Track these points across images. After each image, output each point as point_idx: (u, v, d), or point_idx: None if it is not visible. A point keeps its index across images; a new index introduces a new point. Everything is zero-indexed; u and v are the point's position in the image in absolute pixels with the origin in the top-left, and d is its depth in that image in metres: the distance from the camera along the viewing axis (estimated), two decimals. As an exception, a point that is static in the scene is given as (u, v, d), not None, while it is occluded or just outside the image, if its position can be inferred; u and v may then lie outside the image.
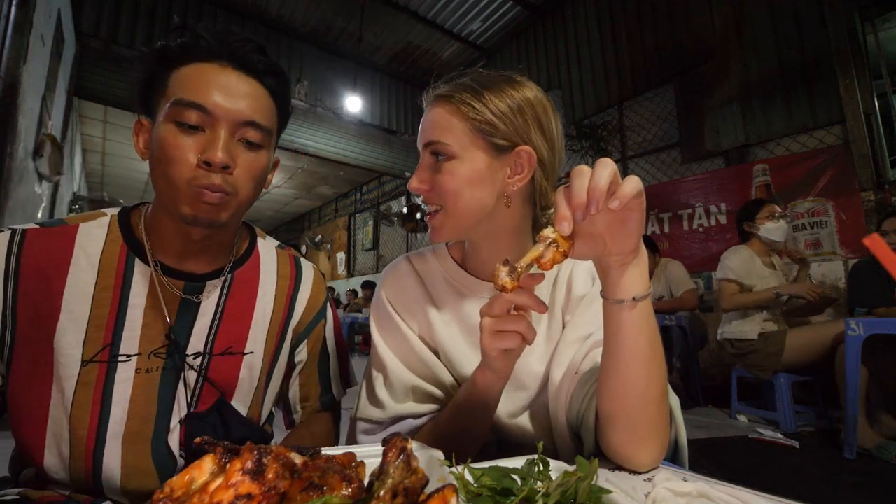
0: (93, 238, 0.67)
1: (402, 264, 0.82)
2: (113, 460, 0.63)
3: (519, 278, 0.50)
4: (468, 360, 0.74)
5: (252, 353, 0.76)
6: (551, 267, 0.49)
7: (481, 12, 5.53)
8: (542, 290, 0.76)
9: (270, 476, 0.31)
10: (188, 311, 0.71)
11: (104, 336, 0.64)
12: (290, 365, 0.84)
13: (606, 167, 0.46)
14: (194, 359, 0.70)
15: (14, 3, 2.50)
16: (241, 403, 0.75)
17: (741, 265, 2.77)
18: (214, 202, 0.62)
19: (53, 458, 0.62)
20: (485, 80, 0.68)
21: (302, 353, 0.84)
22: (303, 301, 0.84)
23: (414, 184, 0.69)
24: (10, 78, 2.49)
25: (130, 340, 0.66)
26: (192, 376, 0.70)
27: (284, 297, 0.81)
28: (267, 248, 0.83)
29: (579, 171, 0.47)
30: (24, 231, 0.64)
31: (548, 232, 0.49)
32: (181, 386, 0.69)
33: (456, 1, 5.35)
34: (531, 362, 0.73)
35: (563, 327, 0.74)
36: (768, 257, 2.85)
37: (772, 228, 2.75)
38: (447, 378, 0.74)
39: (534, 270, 0.52)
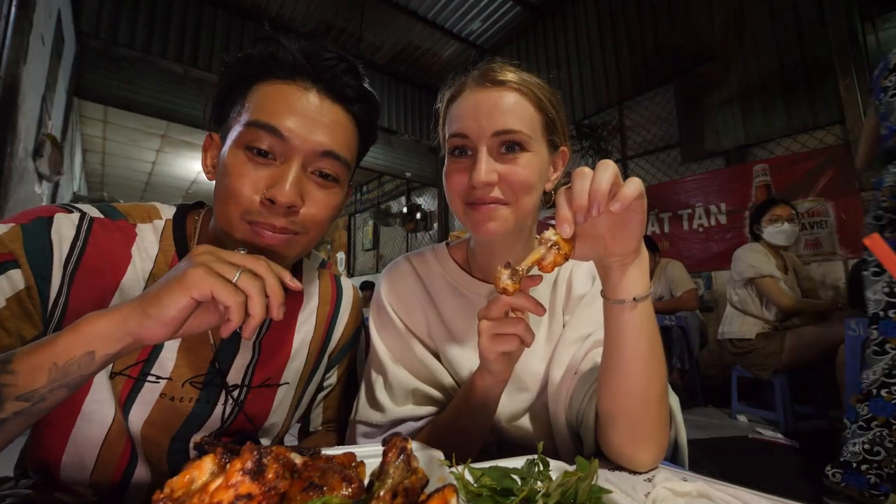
0: (148, 243, 0.63)
1: (402, 265, 0.81)
2: (141, 477, 0.63)
3: (520, 281, 0.50)
4: (468, 363, 0.73)
5: (287, 383, 0.73)
6: (552, 269, 0.49)
7: (481, 12, 5.53)
8: (543, 291, 0.75)
9: (270, 476, 0.31)
10: (232, 340, 0.67)
11: (141, 351, 0.61)
12: (319, 389, 0.82)
13: (607, 169, 0.45)
14: (232, 390, 0.67)
15: (14, 3, 2.50)
16: (268, 431, 0.74)
17: (761, 261, 2.70)
18: (275, 243, 0.57)
19: (71, 459, 0.61)
20: (531, 73, 0.67)
21: (332, 378, 0.82)
22: (341, 326, 0.81)
23: (489, 177, 0.61)
24: (10, 78, 2.49)
25: (166, 362, 0.62)
26: (228, 408, 0.67)
27: (324, 324, 0.78)
28: (310, 267, 0.80)
29: (580, 173, 0.46)
30: (91, 219, 0.60)
31: (549, 234, 0.49)
32: (216, 415, 0.66)
33: (456, 1, 5.34)
34: (533, 363, 0.73)
35: (564, 327, 0.74)
36: (780, 259, 2.79)
37: (773, 232, 2.70)
38: (447, 380, 0.74)
39: (534, 272, 0.51)
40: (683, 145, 4.23)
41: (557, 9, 5.42)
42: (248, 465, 0.31)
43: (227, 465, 0.32)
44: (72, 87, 4.31)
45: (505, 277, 0.49)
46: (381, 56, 6.32)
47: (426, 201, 7.63)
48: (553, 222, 0.49)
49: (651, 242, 3.64)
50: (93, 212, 0.61)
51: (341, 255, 9.94)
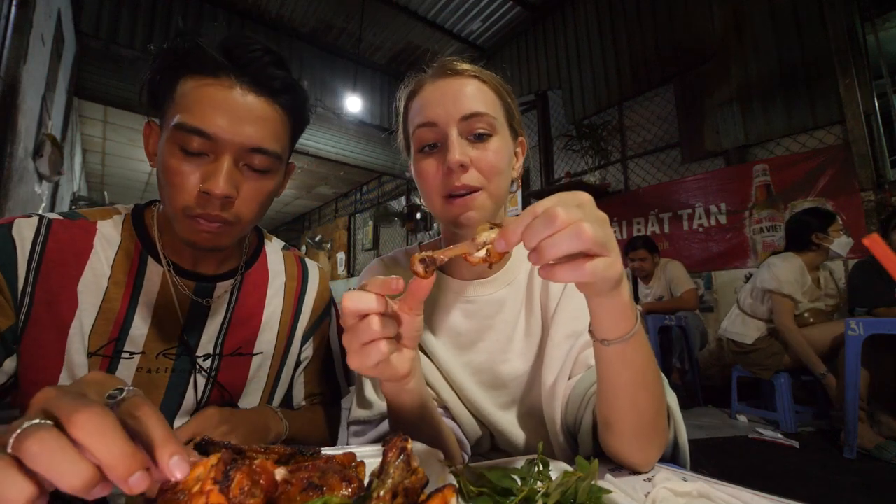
0: (110, 235, 0.68)
1: (376, 266, 0.82)
2: None
3: (433, 271, 0.47)
4: (449, 358, 0.74)
5: (261, 353, 0.77)
6: (477, 264, 0.45)
7: (481, 12, 5.52)
8: (518, 284, 0.75)
9: (236, 492, 0.30)
10: (199, 313, 0.71)
11: (111, 330, 0.65)
12: (297, 363, 0.85)
13: (579, 233, 0.37)
14: (204, 360, 0.71)
15: (14, 3, 2.49)
16: (248, 405, 0.76)
17: (794, 278, 2.57)
18: (212, 231, 0.61)
19: None
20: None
21: (307, 351, 0.85)
22: (310, 300, 0.85)
23: (462, 158, 0.61)
24: (10, 78, 2.49)
25: (137, 338, 0.66)
26: (201, 378, 0.70)
27: (293, 298, 0.82)
28: (273, 249, 0.85)
29: (562, 206, 0.38)
30: (50, 220, 0.65)
31: (486, 236, 0.44)
32: (190, 387, 0.70)
33: (456, 1, 5.34)
34: (510, 359, 0.72)
35: (544, 324, 0.72)
36: (816, 272, 2.68)
37: (843, 244, 2.57)
38: (432, 372, 0.74)
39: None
40: (683, 145, 4.23)
41: (557, 9, 5.41)
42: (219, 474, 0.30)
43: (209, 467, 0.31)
44: (72, 87, 4.32)
45: (418, 265, 0.45)
46: (381, 56, 6.32)
47: (426, 201, 7.61)
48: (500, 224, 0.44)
49: (651, 243, 3.64)
50: (52, 216, 0.66)
51: (341, 256, 9.94)
